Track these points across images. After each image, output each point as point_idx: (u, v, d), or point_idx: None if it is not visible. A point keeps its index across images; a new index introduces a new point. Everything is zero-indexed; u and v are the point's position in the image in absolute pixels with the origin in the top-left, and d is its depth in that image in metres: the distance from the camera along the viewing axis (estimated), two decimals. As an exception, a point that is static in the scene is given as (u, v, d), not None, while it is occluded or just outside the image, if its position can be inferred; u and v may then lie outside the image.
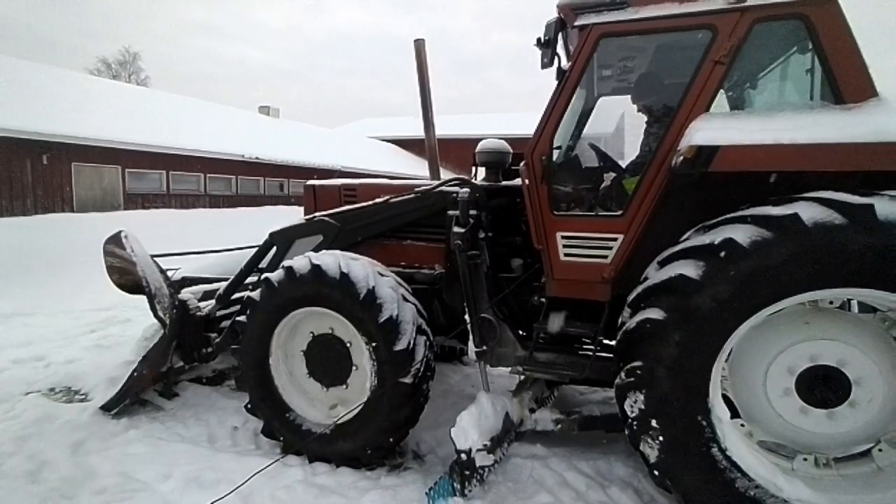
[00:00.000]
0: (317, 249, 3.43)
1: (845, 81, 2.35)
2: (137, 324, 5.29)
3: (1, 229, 10.04)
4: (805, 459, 2.46)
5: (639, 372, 2.34)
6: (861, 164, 2.13)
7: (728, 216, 2.28)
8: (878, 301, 2.24)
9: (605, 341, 3.05)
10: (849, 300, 2.58)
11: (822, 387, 2.32)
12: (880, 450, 2.40)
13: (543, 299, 3.10)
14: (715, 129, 2.38)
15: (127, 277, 3.76)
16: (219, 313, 3.95)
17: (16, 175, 11.90)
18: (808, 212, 2.06)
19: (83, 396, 3.97)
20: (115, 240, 3.75)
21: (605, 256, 2.84)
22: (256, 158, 18.12)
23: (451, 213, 3.19)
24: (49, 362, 4.70)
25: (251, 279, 3.89)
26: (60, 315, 6.47)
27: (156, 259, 3.86)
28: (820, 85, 2.50)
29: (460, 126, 30.05)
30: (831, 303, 2.42)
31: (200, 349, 3.92)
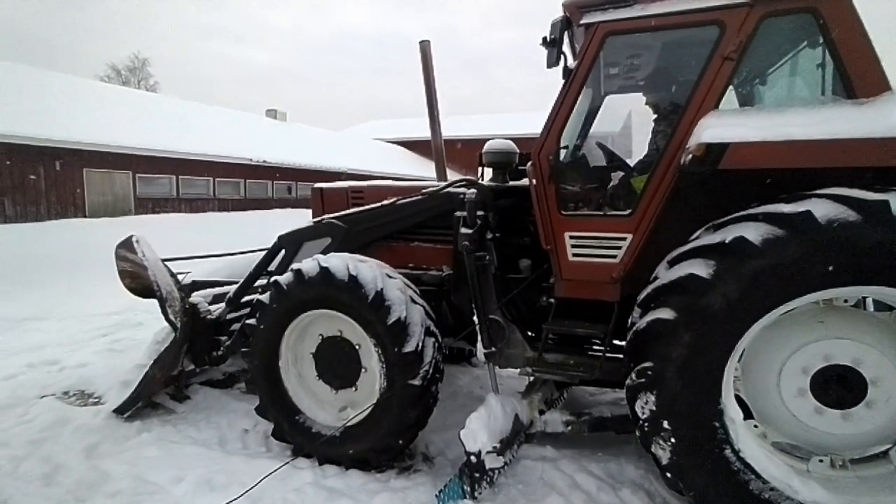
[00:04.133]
0: (325, 252, 3.43)
1: (857, 76, 2.31)
2: (149, 327, 5.34)
3: (15, 235, 10.20)
4: (821, 461, 2.42)
5: (649, 373, 2.32)
6: (875, 159, 2.09)
7: (739, 214, 2.25)
8: (894, 299, 2.20)
9: (616, 342, 3.03)
10: (864, 298, 2.54)
11: (838, 387, 2.28)
12: (898, 451, 2.36)
13: (552, 300, 3.08)
14: (724, 126, 2.35)
15: (138, 281, 3.80)
16: (229, 316, 3.97)
17: (29, 181, 12.09)
18: (821, 209, 2.02)
19: (96, 400, 4.02)
20: (127, 244, 3.80)
21: (615, 256, 2.82)
22: (264, 162, 18.25)
23: (458, 214, 3.18)
24: (62, 366, 4.76)
25: (261, 282, 3.91)
26: (73, 319, 6.56)
27: (167, 263, 3.90)
28: (831, 80, 2.46)
29: (466, 127, 30.04)
30: (846, 301, 2.38)
31: (211, 352, 3.95)
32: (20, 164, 11.84)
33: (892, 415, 2.24)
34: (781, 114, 2.38)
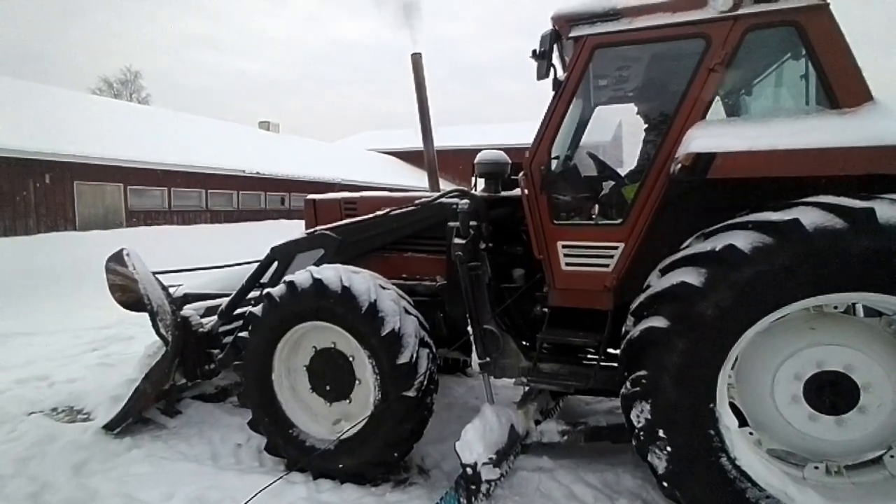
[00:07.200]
0: (318, 263, 3.42)
1: (840, 86, 2.36)
2: (140, 341, 5.28)
3: (4, 249, 10.07)
4: (816, 468, 2.42)
5: (644, 381, 2.32)
6: (859, 167, 2.13)
7: (728, 222, 2.28)
8: (883, 304, 2.23)
9: (610, 350, 3.03)
10: (854, 304, 2.56)
11: (831, 393, 2.29)
12: (892, 456, 2.36)
13: (546, 309, 3.09)
14: (711, 136, 2.39)
15: (129, 295, 3.76)
16: (221, 329, 3.94)
17: (19, 194, 11.97)
18: (808, 216, 2.06)
19: (86, 416, 3.94)
20: (118, 258, 3.77)
21: (607, 265, 2.84)
22: (257, 173, 18.23)
23: (451, 224, 3.19)
24: (52, 382, 4.68)
25: (253, 294, 3.89)
26: (63, 334, 6.46)
27: (158, 276, 3.86)
28: (815, 90, 2.51)
29: (459, 137, 30.22)
30: (836, 307, 2.40)
31: (203, 366, 3.90)
32: (9, 177, 11.74)
33: (884, 420, 2.25)
34: (767, 124, 2.43)
